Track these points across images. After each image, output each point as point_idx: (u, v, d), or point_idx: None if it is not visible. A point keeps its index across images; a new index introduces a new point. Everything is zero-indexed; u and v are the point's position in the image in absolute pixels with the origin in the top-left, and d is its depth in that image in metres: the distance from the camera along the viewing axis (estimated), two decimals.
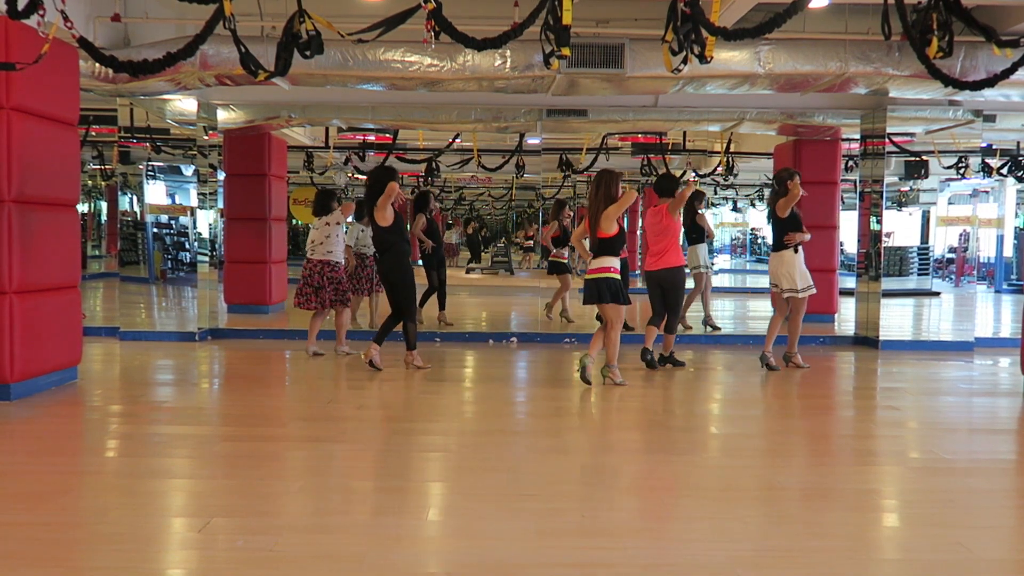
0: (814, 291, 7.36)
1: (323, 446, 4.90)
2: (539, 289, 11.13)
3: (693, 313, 10.41)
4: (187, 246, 9.29)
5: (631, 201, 6.44)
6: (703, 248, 10.14)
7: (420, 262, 9.90)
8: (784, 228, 7.29)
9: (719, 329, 9.91)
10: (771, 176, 13.35)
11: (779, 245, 7.35)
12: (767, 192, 20.16)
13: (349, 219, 8.84)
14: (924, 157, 11.20)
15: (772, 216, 7.40)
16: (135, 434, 5.24)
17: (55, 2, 4.51)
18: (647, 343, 7.34)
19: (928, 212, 16.78)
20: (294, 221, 17.43)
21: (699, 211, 10.08)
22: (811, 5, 6.18)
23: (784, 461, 4.75)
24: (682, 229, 7.98)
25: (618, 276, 6.52)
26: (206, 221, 9.28)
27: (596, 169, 14.22)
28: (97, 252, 20.18)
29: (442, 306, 9.97)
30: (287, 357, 8.02)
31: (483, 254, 27.02)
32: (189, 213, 9.24)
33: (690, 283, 10.16)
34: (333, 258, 7.83)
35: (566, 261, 10.49)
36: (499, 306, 13.26)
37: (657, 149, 12.80)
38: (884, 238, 9.40)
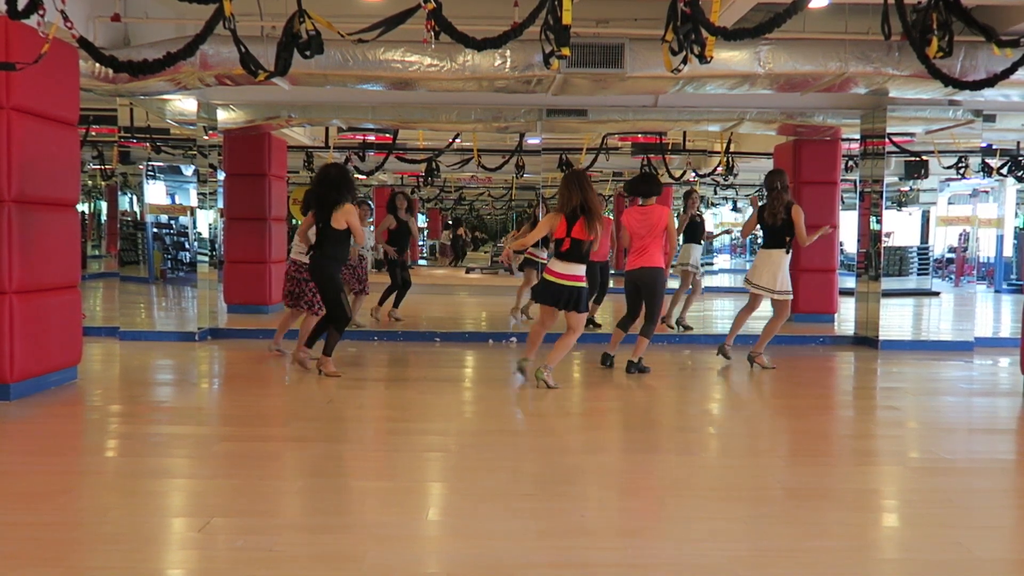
0: (789, 298, 7.32)
1: (323, 446, 4.90)
2: None
3: (693, 313, 10.43)
4: (187, 246, 9.29)
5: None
6: (696, 248, 10.15)
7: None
8: (783, 229, 7.25)
9: (691, 329, 9.95)
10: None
11: (774, 243, 7.29)
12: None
13: None
14: (924, 157, 11.21)
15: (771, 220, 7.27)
16: (135, 434, 5.23)
17: (55, 2, 4.51)
18: (611, 346, 7.31)
19: (928, 212, 16.80)
20: (294, 221, 17.43)
21: (692, 211, 10.13)
22: (811, 5, 6.18)
23: (784, 461, 4.75)
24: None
25: (582, 284, 6.27)
26: (206, 221, 9.28)
27: (596, 169, 14.28)
28: (97, 252, 20.19)
29: (396, 303, 10.31)
30: (287, 357, 8.02)
31: (467, 254, 27.03)
32: (189, 213, 9.24)
33: (675, 282, 10.22)
34: (298, 258, 7.65)
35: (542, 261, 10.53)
36: (499, 306, 13.24)
37: (657, 149, 12.81)
38: (884, 238, 9.40)
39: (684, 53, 5.00)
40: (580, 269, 6.25)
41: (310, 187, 6.93)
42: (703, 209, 11.10)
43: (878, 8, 4.88)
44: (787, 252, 7.29)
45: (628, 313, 7.28)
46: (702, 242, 10.37)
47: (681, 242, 10.02)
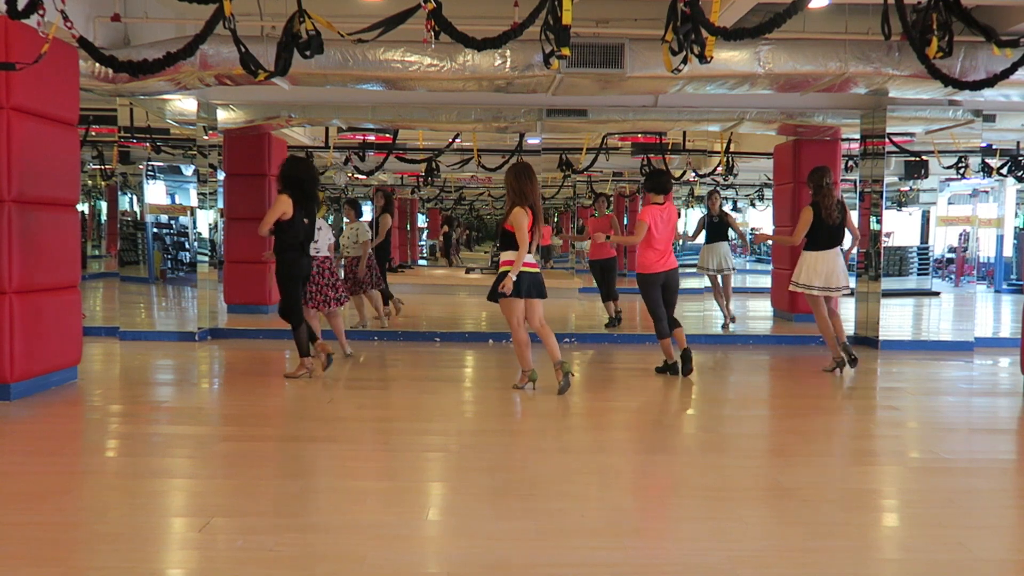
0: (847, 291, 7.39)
1: (323, 446, 4.90)
2: None
3: (693, 313, 10.43)
4: (187, 246, 9.29)
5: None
6: (721, 246, 10.12)
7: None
8: (840, 227, 7.15)
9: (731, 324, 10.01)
10: (771, 176, 13.38)
11: (835, 241, 7.17)
12: (767, 192, 20.20)
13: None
14: (924, 157, 11.21)
15: (842, 217, 7.15)
16: (135, 434, 5.24)
17: (55, 2, 4.52)
18: (680, 350, 7.04)
19: (928, 212, 16.81)
20: None
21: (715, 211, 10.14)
22: (811, 5, 6.18)
23: (784, 461, 4.75)
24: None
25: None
26: (206, 221, 9.28)
27: (596, 169, 14.27)
28: (97, 252, 20.17)
29: (385, 302, 10.44)
30: (287, 357, 8.01)
31: (458, 255, 27.04)
32: (189, 213, 9.24)
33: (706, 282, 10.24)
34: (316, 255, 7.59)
35: None
36: (498, 306, 13.26)
37: (657, 149, 12.80)
38: (884, 238, 9.40)
39: (684, 53, 5.00)
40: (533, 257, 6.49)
41: (297, 177, 6.59)
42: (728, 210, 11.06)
43: (878, 8, 4.89)
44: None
45: (662, 315, 7.07)
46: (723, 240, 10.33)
47: (704, 242, 10.02)
